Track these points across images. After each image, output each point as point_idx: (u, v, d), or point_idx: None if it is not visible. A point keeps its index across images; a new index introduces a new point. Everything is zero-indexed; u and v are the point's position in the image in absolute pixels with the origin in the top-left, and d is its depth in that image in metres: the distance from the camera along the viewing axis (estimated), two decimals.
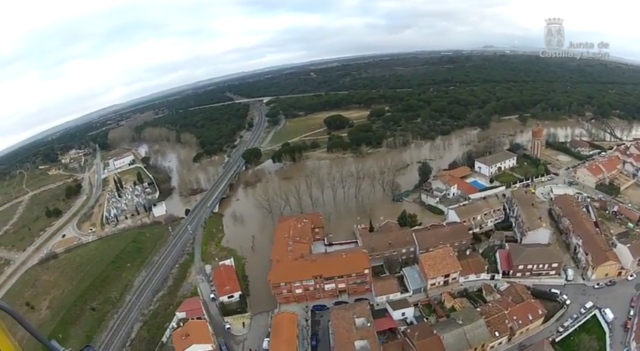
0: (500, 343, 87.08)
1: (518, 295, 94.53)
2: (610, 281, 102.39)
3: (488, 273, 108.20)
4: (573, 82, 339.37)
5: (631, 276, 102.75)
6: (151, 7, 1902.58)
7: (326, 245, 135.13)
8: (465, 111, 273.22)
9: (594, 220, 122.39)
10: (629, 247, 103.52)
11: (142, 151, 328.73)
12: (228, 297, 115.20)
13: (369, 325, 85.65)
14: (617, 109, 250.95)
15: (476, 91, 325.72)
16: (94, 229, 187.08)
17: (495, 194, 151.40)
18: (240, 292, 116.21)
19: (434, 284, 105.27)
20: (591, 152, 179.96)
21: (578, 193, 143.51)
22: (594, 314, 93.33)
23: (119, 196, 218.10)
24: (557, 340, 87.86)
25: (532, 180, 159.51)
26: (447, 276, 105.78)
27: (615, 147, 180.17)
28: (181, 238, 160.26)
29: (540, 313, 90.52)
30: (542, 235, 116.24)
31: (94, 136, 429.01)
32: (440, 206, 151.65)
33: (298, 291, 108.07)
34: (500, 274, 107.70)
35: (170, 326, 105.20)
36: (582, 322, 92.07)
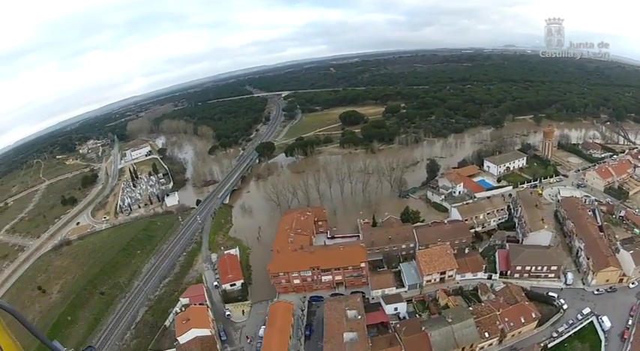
0: (490, 345, 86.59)
1: (513, 296, 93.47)
2: (610, 288, 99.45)
3: (485, 272, 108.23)
4: (590, 84, 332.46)
5: (632, 284, 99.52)
6: None
7: (328, 238, 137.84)
8: (480, 110, 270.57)
9: (600, 224, 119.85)
10: (632, 254, 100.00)
11: (160, 142, 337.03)
12: (231, 285, 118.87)
13: (359, 317, 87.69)
14: (632, 113, 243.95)
15: (492, 90, 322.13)
16: (107, 218, 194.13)
17: (501, 194, 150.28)
18: (242, 281, 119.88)
19: (429, 281, 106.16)
20: (603, 155, 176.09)
21: (586, 196, 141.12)
22: (591, 321, 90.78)
23: (134, 186, 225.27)
24: (549, 345, 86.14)
25: (540, 181, 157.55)
26: (443, 273, 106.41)
27: (627, 151, 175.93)
28: (190, 228, 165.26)
29: (534, 316, 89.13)
30: (543, 236, 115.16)
31: (113, 126, 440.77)
32: (445, 204, 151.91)
33: (296, 281, 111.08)
34: (498, 274, 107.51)
35: (174, 311, 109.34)
36: (578, 328, 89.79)
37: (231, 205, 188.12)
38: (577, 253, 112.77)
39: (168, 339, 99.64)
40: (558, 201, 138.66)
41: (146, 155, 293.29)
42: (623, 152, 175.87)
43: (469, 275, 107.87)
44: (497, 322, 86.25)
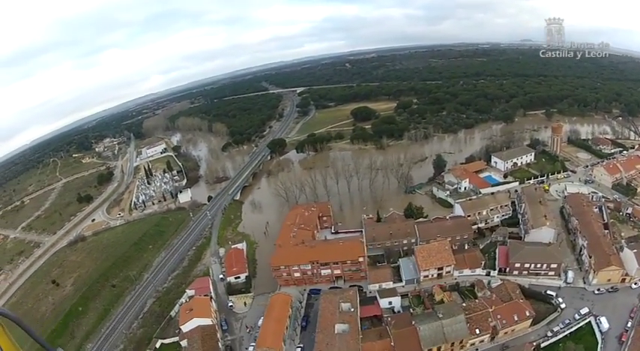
0: (482, 341, 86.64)
1: (508, 293, 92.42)
2: (612, 287, 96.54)
3: (484, 269, 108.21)
4: (604, 79, 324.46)
5: (635, 284, 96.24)
6: None
7: (333, 233, 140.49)
8: (491, 105, 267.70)
9: (605, 221, 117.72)
10: (636, 253, 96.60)
11: (175, 140, 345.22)
12: (235, 278, 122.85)
13: (352, 310, 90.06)
14: None
15: (505, 85, 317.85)
16: (122, 214, 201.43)
17: (507, 190, 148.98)
18: (246, 274, 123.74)
19: (427, 276, 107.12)
20: (613, 150, 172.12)
21: (594, 192, 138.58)
22: (589, 322, 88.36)
23: (148, 183, 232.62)
24: (542, 345, 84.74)
25: (547, 177, 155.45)
26: (440, 269, 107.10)
27: (637, 146, 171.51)
28: (201, 223, 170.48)
29: (527, 314, 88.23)
30: (545, 233, 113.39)
31: (130, 124, 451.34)
32: (450, 199, 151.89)
33: (296, 274, 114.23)
34: (497, 271, 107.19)
35: (180, 302, 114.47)
36: (575, 328, 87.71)
37: (241, 201, 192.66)
38: (580, 251, 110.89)
39: (173, 328, 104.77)
40: (565, 197, 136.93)
41: (161, 153, 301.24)
42: (634, 148, 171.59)
43: (467, 271, 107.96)
44: (490, 319, 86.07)
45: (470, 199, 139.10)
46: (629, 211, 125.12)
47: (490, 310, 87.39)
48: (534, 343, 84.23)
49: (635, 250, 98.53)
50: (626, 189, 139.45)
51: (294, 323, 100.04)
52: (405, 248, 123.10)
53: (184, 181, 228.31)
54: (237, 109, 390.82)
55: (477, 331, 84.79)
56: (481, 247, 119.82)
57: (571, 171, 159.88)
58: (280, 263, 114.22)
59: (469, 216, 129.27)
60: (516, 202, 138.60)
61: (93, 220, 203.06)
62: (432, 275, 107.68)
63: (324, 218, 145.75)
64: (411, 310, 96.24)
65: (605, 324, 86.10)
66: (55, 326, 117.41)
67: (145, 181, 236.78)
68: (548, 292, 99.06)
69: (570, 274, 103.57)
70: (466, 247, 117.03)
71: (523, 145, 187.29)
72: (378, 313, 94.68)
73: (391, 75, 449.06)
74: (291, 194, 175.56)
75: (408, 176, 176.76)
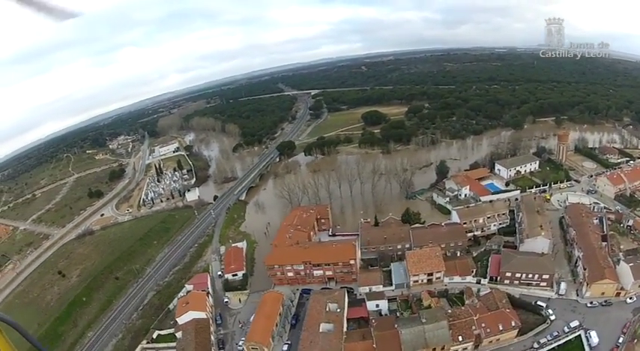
0: (465, 349, 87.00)
1: (495, 302, 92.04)
2: (605, 301, 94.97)
3: (475, 276, 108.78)
4: (617, 85, 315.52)
5: (630, 299, 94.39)
6: None
7: (330, 235, 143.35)
8: (502, 111, 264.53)
9: (604, 233, 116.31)
10: (632, 267, 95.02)
11: (188, 139, 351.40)
12: (232, 275, 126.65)
13: (338, 311, 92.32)
14: None
15: (517, 91, 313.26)
16: (130, 210, 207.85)
17: (507, 198, 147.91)
18: (243, 272, 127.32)
19: (417, 281, 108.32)
20: (619, 160, 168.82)
21: (596, 202, 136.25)
22: (579, 335, 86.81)
23: (158, 181, 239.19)
24: None
25: (550, 186, 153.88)
26: (430, 274, 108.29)
27: None
28: (205, 221, 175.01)
29: (513, 324, 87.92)
30: (540, 243, 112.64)
31: (145, 123, 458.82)
32: (449, 206, 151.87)
33: (290, 274, 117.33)
34: (487, 279, 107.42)
35: (178, 296, 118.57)
36: (563, 341, 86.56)
37: (246, 202, 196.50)
38: (576, 263, 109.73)
39: (170, 320, 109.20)
40: (565, 207, 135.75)
41: (174, 151, 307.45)
42: None
43: (457, 278, 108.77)
44: (473, 327, 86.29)
45: (467, 207, 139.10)
46: (630, 223, 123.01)
47: (474, 317, 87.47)
48: None
49: (631, 264, 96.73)
50: (629, 200, 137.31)
51: (284, 321, 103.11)
52: (399, 253, 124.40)
53: (193, 180, 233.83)
54: (251, 110, 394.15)
55: (460, 338, 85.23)
56: (475, 254, 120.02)
57: (575, 180, 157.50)
58: (274, 262, 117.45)
59: (465, 223, 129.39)
60: (515, 211, 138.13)
61: (102, 215, 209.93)
62: (422, 280, 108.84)
63: (323, 221, 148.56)
64: (398, 314, 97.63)
65: (594, 338, 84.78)
66: (59, 314, 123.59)
67: (155, 179, 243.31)
68: (539, 302, 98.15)
69: (563, 285, 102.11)
70: (458, 255, 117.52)
71: (529, 153, 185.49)
72: (365, 315, 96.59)
73: (405, 78, 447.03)
74: (294, 196, 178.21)
75: (410, 182, 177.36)
